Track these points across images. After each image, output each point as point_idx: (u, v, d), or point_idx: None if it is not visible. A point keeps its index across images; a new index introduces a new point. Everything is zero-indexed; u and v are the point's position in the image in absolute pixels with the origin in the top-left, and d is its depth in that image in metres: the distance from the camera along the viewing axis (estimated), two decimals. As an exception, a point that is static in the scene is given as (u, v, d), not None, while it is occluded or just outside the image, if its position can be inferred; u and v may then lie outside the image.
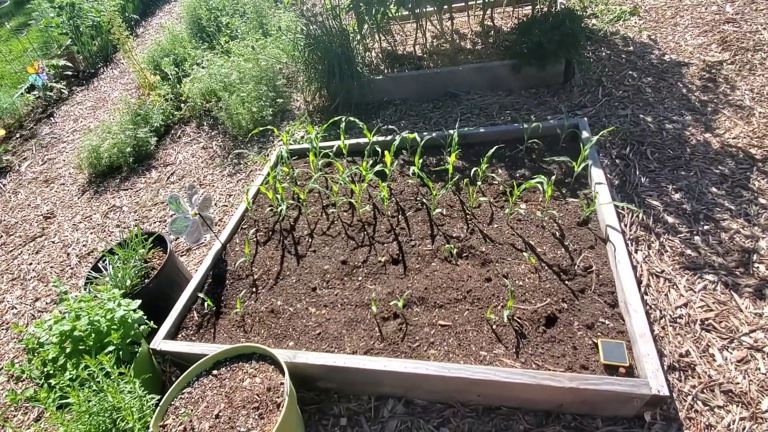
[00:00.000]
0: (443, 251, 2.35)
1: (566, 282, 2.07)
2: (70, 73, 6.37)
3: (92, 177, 4.31)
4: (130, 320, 1.99)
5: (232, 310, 2.34)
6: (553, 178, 2.25)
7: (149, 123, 4.43)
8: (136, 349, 2.04)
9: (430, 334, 1.99)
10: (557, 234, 2.30)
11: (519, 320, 1.95)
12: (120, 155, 4.14)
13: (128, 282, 2.33)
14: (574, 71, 3.74)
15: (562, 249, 2.22)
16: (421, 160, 2.67)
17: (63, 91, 6.06)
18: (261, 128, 3.46)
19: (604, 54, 3.98)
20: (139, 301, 2.09)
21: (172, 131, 4.68)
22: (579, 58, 3.73)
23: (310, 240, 2.64)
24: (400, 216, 2.64)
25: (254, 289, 2.45)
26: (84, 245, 3.53)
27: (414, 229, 2.53)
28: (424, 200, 2.67)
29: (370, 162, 3.04)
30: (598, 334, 1.84)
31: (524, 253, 2.22)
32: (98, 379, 1.71)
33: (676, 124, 3.10)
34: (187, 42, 5.40)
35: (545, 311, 1.95)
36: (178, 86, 4.88)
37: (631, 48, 3.99)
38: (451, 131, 2.94)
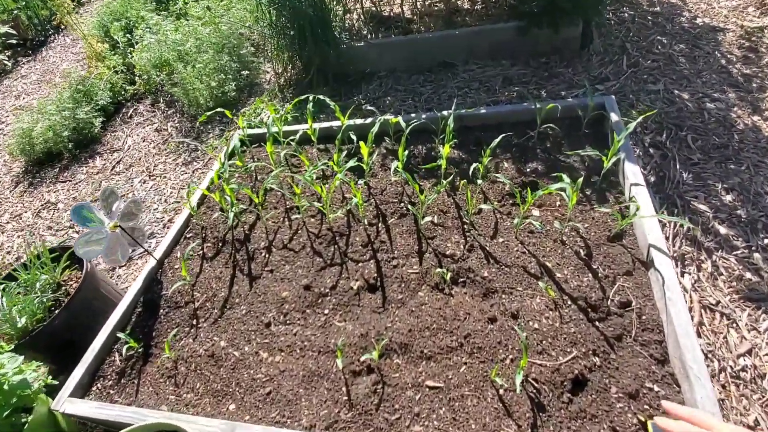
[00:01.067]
0: (433, 275, 1.82)
1: (597, 324, 1.55)
2: (14, 41, 5.63)
3: (28, 166, 3.71)
4: (6, 386, 1.47)
5: (164, 352, 1.82)
6: (580, 181, 1.70)
7: (93, 100, 3.79)
8: (24, 419, 1.53)
9: (414, 401, 1.48)
10: (582, 253, 1.77)
11: (535, 383, 1.44)
12: (57, 140, 3.53)
13: (23, 321, 1.79)
14: (593, 36, 3.12)
15: (590, 275, 1.69)
16: (407, 151, 2.10)
17: (6, 63, 5.35)
18: (209, 112, 2.67)
19: (626, 15, 3.36)
20: (21, 358, 1.56)
21: (124, 109, 4.05)
22: (599, 20, 3.10)
23: (267, 255, 2.10)
24: (380, 224, 2.10)
25: (194, 322, 1.93)
26: (8, 252, 2.97)
27: (397, 243, 1.99)
28: (411, 204, 2.12)
29: (345, 152, 2.47)
30: (645, 407, 1.34)
31: (539, 282, 1.69)
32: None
33: (719, 103, 2.54)
34: (140, 4, 4.67)
35: (570, 370, 1.44)
36: (130, 56, 4.21)
37: (658, 9, 3.37)
38: (445, 113, 2.36)
